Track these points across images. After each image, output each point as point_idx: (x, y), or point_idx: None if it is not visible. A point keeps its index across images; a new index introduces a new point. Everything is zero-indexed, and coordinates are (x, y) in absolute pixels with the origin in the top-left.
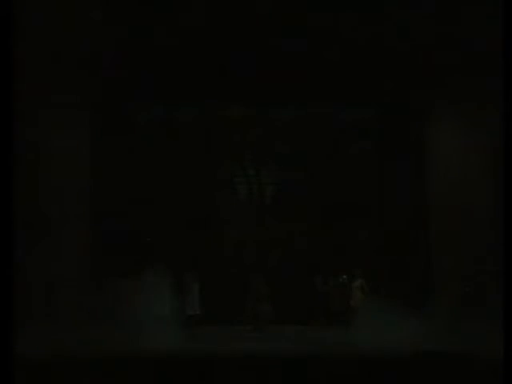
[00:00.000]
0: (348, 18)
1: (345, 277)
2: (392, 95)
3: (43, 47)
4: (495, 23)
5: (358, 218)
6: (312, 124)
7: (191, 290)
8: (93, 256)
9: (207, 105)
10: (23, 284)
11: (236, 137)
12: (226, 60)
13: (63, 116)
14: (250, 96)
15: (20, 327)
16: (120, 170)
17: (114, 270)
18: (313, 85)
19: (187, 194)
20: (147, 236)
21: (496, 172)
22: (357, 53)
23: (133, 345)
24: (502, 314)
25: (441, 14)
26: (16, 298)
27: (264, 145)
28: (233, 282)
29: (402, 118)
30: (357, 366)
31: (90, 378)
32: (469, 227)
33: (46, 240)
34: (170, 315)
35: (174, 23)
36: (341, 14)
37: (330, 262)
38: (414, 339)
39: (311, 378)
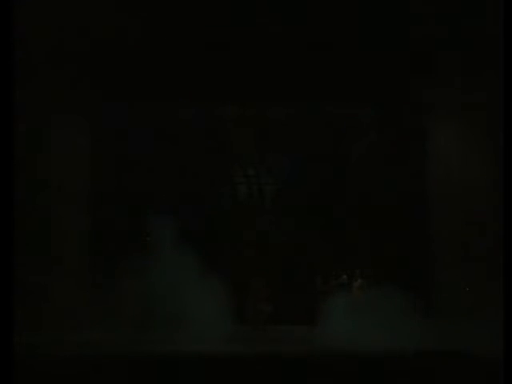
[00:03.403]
0: (348, 17)
1: (345, 277)
2: (392, 95)
3: (43, 47)
4: (495, 22)
5: (358, 218)
6: (312, 124)
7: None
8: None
9: (206, 104)
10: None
11: (236, 136)
12: (225, 58)
13: (63, 115)
14: (250, 95)
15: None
16: (119, 170)
17: (113, 269)
18: (314, 84)
19: (187, 194)
20: (147, 235)
21: (497, 172)
22: (357, 52)
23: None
24: (502, 313)
25: (441, 13)
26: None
27: (264, 145)
28: (232, 282)
29: (402, 118)
30: (356, 365)
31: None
32: (469, 227)
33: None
34: (171, 315)
35: (173, 22)
36: (340, 13)
37: (330, 262)
38: (414, 339)
39: (311, 378)
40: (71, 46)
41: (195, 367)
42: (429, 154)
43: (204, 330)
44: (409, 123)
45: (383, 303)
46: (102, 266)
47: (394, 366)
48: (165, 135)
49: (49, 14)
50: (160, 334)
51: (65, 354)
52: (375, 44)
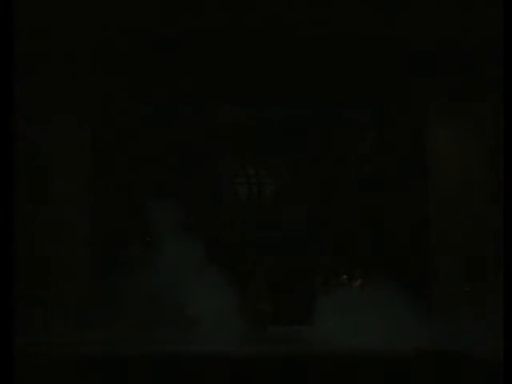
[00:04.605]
0: (347, 16)
1: (345, 277)
2: (392, 95)
3: (43, 45)
4: (495, 22)
5: (358, 218)
6: (312, 124)
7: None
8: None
9: (206, 103)
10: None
11: (236, 136)
12: (225, 58)
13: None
14: (249, 95)
15: None
16: (119, 169)
17: (112, 270)
18: (314, 84)
19: (186, 194)
20: (147, 236)
21: (497, 172)
22: (357, 52)
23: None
24: (502, 313)
25: (441, 13)
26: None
27: (264, 145)
28: (232, 282)
29: (402, 118)
30: (356, 365)
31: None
32: (469, 227)
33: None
34: (170, 316)
35: (173, 22)
36: (340, 13)
37: (330, 261)
38: (414, 339)
39: (311, 378)
40: (71, 45)
41: (194, 367)
42: (429, 153)
43: (203, 330)
44: (409, 123)
45: (383, 303)
46: (102, 265)
47: (394, 366)
48: (165, 135)
49: (49, 13)
50: (159, 334)
51: (65, 355)
52: (375, 44)
